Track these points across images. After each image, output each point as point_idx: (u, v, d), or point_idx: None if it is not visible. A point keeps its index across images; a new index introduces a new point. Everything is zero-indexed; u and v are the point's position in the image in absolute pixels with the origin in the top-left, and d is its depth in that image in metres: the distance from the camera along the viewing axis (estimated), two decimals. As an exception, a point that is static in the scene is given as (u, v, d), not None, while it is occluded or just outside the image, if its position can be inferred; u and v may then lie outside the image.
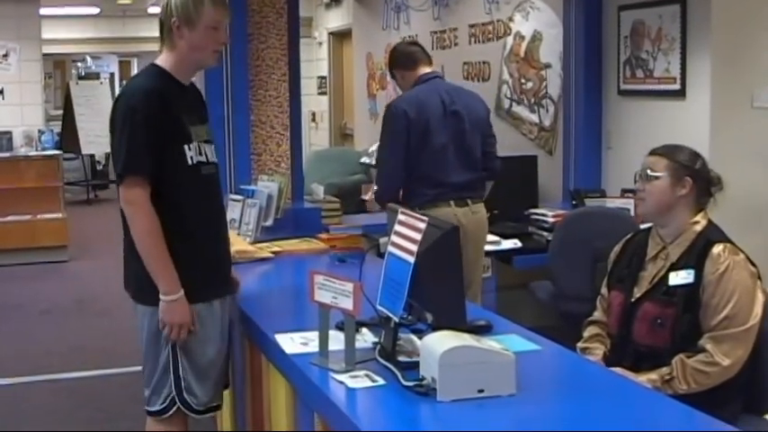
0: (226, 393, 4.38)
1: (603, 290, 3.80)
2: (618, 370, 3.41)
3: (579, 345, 3.74)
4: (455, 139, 5.21)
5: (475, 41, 8.84)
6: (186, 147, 3.50)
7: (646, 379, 3.36)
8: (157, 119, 3.42)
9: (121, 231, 3.57)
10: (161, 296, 3.44)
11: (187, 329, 3.48)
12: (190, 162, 3.51)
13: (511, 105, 8.12)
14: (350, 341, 2.96)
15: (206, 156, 3.60)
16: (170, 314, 3.45)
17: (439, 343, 2.69)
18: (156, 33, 3.63)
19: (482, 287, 5.54)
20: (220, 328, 3.63)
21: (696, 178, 3.52)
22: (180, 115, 3.51)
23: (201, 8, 3.48)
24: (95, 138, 13.94)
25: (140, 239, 3.44)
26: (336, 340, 3.04)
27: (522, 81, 7.94)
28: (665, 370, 3.38)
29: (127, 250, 3.59)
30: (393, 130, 5.20)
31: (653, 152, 3.60)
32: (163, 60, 3.59)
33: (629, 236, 3.81)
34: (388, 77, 10.99)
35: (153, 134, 3.41)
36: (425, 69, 5.38)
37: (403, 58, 5.44)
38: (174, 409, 3.57)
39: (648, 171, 3.54)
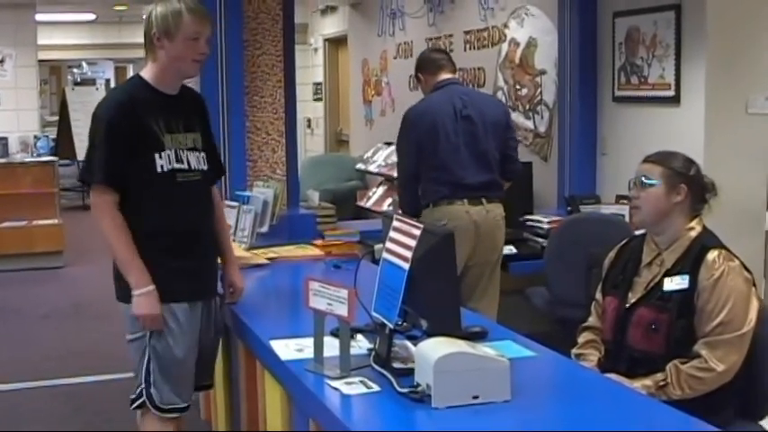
0: (221, 399, 4.40)
1: (598, 295, 3.80)
2: (612, 376, 3.41)
3: (574, 351, 3.75)
4: (468, 142, 5.41)
5: (470, 48, 8.85)
6: (157, 155, 3.61)
7: (640, 385, 3.36)
8: (120, 128, 3.57)
9: None
10: (133, 291, 3.58)
11: (159, 321, 3.61)
12: (159, 170, 3.61)
13: (506, 111, 8.12)
14: (345, 347, 2.97)
15: (188, 163, 3.70)
16: (138, 307, 3.58)
17: (434, 349, 2.70)
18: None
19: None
20: (187, 330, 3.68)
21: (691, 185, 3.53)
22: (151, 124, 3.61)
23: (180, 20, 3.59)
24: (91, 144, 13.90)
25: (107, 239, 3.61)
26: (331, 347, 3.05)
27: (517, 87, 7.95)
28: (659, 376, 3.38)
29: None
30: (403, 137, 5.57)
31: (647, 159, 3.60)
32: (146, 71, 3.72)
33: (623, 242, 3.82)
34: (383, 83, 11.05)
35: (114, 143, 3.56)
36: (446, 76, 5.61)
37: (426, 63, 5.72)
38: (141, 401, 3.71)
39: (643, 178, 3.54)
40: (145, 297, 3.57)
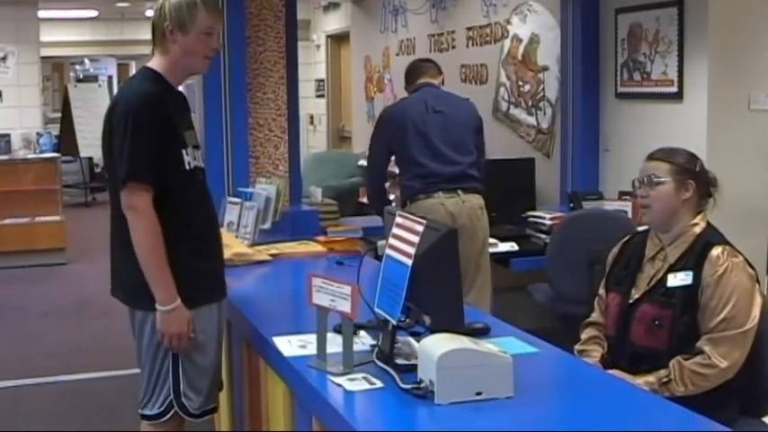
0: (223, 396, 4.38)
1: (601, 291, 3.79)
2: (615, 372, 3.41)
3: (577, 347, 3.74)
4: (439, 133, 5.51)
5: (472, 44, 8.85)
6: (184, 151, 3.49)
7: (643, 381, 3.36)
8: (157, 123, 3.40)
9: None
10: (158, 306, 3.41)
11: (186, 338, 3.45)
12: (187, 166, 3.50)
13: (508, 108, 8.13)
14: (348, 344, 2.96)
15: (197, 160, 3.60)
16: (167, 324, 3.42)
17: (437, 346, 2.69)
18: (154, 36, 3.65)
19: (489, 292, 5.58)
20: (219, 331, 3.63)
21: (698, 180, 3.53)
22: (176, 120, 3.50)
23: (195, 13, 3.47)
24: (94, 140, 13.94)
25: (141, 247, 3.39)
26: (334, 343, 3.04)
27: (520, 84, 7.95)
28: (662, 372, 3.38)
29: (119, 255, 3.58)
30: (375, 134, 5.77)
31: (652, 157, 3.59)
32: (156, 64, 3.57)
33: (626, 237, 3.82)
34: (386, 80, 11.04)
35: (154, 139, 3.38)
36: (424, 80, 5.78)
37: (408, 72, 5.94)
38: (172, 413, 3.56)
39: (652, 176, 3.53)
40: (174, 314, 3.41)
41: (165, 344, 3.46)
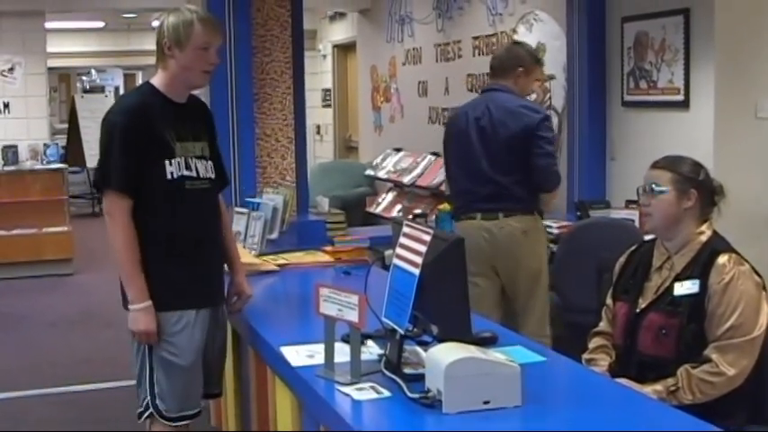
0: (231, 405, 4.40)
1: (609, 300, 3.79)
2: (623, 381, 3.41)
3: (584, 356, 3.74)
4: (480, 150, 5.20)
5: (479, 53, 8.85)
6: (167, 162, 3.63)
7: (651, 390, 3.35)
8: (135, 134, 3.60)
9: None
10: (129, 305, 3.62)
11: (154, 337, 3.62)
12: (169, 176, 3.63)
13: (515, 117, 8.11)
14: (355, 353, 2.97)
15: (196, 171, 3.72)
16: (134, 322, 3.61)
17: (444, 355, 2.69)
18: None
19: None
20: (192, 338, 3.69)
21: (700, 189, 3.52)
22: (162, 131, 3.64)
23: (191, 30, 3.64)
24: (100, 151, 13.93)
25: (115, 249, 3.63)
26: (342, 353, 3.05)
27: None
28: (670, 381, 3.37)
29: None
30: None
31: (655, 165, 3.59)
32: (156, 78, 3.76)
33: (634, 247, 3.81)
34: (392, 89, 11.04)
35: (129, 149, 3.58)
36: (492, 81, 5.51)
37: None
38: (148, 413, 3.72)
39: (653, 186, 3.53)
40: (142, 313, 3.59)
41: (137, 340, 3.67)
